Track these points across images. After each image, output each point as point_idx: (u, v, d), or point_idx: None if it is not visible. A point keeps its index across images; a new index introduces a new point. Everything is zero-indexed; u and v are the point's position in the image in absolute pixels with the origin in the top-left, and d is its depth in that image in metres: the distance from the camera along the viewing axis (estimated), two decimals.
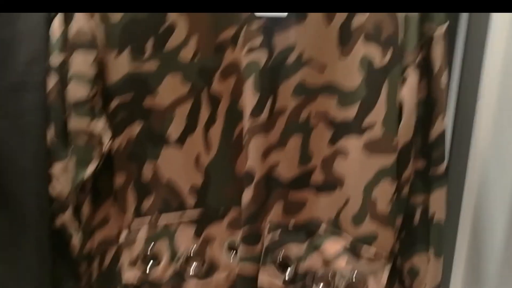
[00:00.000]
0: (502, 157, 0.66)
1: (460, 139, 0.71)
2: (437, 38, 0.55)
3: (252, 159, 0.59)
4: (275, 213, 0.62)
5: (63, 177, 0.61)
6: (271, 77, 0.58)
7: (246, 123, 0.58)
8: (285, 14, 0.55)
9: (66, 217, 0.61)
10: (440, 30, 0.55)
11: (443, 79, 0.56)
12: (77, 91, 0.59)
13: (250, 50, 0.56)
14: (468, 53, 0.69)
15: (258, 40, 0.56)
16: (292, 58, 0.58)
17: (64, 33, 0.59)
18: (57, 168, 0.61)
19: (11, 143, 0.60)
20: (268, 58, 0.57)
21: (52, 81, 0.60)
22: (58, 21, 0.60)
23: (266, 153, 0.60)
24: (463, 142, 0.70)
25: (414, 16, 0.55)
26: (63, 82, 0.60)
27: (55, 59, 0.60)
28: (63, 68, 0.60)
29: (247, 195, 0.60)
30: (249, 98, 0.57)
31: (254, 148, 0.59)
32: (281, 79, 0.58)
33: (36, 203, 0.61)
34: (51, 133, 0.60)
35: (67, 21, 0.59)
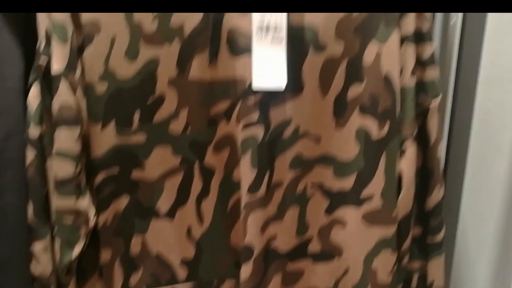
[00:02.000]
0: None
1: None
2: (433, 110, 0.56)
3: (251, 234, 0.57)
4: (274, 285, 0.61)
5: (44, 257, 0.58)
6: (268, 152, 0.56)
7: (244, 198, 0.57)
8: (283, 87, 0.54)
9: None
10: (435, 103, 0.56)
11: (439, 149, 0.57)
12: (62, 169, 0.55)
13: (247, 125, 0.55)
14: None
15: (255, 116, 0.55)
16: (288, 131, 0.57)
17: (41, 105, 0.56)
18: (37, 247, 0.58)
19: None
20: (265, 133, 0.55)
21: (29, 156, 0.57)
22: (34, 92, 0.56)
23: (264, 227, 0.58)
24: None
25: (411, 88, 0.55)
26: (41, 157, 0.57)
27: (33, 132, 0.56)
28: (41, 142, 0.57)
29: (247, 270, 0.58)
30: (246, 174, 0.56)
31: (252, 223, 0.57)
32: (278, 152, 0.57)
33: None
34: (30, 212, 0.57)
35: (43, 93, 0.56)
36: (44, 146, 0.57)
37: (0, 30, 0.56)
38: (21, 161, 0.57)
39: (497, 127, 0.69)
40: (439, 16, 0.69)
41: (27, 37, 0.59)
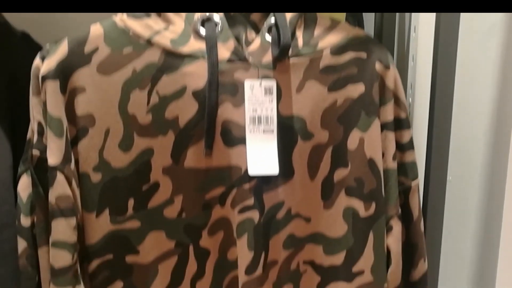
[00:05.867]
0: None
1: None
2: (414, 190, 0.60)
3: None
4: None
5: None
6: (263, 233, 0.59)
7: (241, 278, 0.58)
8: (277, 173, 0.57)
9: None
10: (415, 183, 0.61)
11: (422, 225, 0.61)
12: (59, 259, 0.56)
13: (243, 209, 0.57)
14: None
15: (250, 200, 0.57)
16: (281, 213, 0.59)
17: (32, 196, 0.57)
18: None
19: None
20: (260, 216, 0.58)
21: (21, 246, 0.56)
22: (24, 183, 0.57)
23: None
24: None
25: (393, 170, 0.59)
26: (33, 247, 0.57)
27: (23, 223, 0.56)
28: (32, 232, 0.57)
29: None
30: (243, 256, 0.58)
31: None
32: (272, 233, 0.59)
33: None
34: None
35: (34, 184, 0.56)
36: (35, 236, 0.57)
37: None
38: (14, 253, 0.57)
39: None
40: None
41: (15, 130, 0.60)
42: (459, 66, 0.68)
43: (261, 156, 0.56)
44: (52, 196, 0.55)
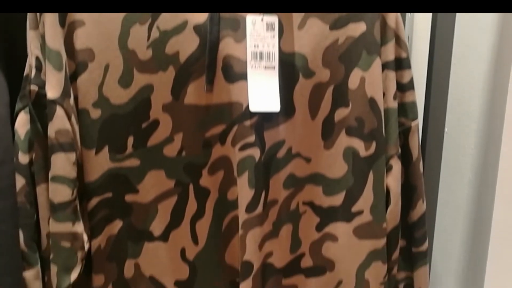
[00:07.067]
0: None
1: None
2: (413, 130, 0.61)
3: (250, 251, 0.59)
4: None
5: (35, 285, 0.57)
6: (264, 172, 0.59)
7: (242, 216, 0.58)
8: (278, 109, 0.56)
9: None
10: (415, 123, 0.61)
11: (421, 166, 0.61)
12: (59, 193, 0.55)
13: (244, 147, 0.57)
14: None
15: (251, 137, 0.57)
16: (282, 152, 0.59)
17: (29, 133, 0.56)
18: (28, 276, 0.57)
19: None
20: (261, 154, 0.58)
21: (19, 184, 0.56)
22: (22, 119, 0.56)
23: (261, 244, 0.60)
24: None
25: (394, 109, 0.59)
26: (31, 184, 0.56)
27: (21, 160, 0.56)
28: (30, 169, 0.56)
29: (246, 287, 0.59)
30: (244, 194, 0.58)
31: (251, 241, 0.59)
32: (273, 172, 0.59)
33: None
34: (21, 240, 0.56)
35: (32, 120, 0.56)
36: (33, 173, 0.57)
37: None
38: (13, 189, 0.56)
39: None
40: None
41: (10, 66, 0.59)
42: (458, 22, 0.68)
43: (262, 92, 0.56)
44: (52, 130, 0.55)
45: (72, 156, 0.55)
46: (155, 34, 0.55)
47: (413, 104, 0.61)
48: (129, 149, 0.58)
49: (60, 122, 0.55)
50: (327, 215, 0.61)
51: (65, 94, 0.55)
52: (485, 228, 0.68)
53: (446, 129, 0.71)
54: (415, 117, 0.61)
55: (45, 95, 0.55)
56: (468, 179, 0.73)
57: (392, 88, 0.59)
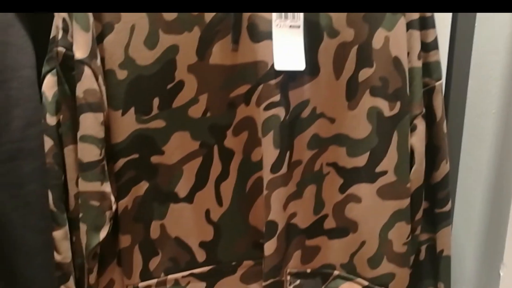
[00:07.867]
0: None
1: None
2: (438, 90, 0.61)
3: (274, 211, 0.59)
4: (294, 262, 0.63)
5: (64, 245, 0.59)
6: (288, 132, 0.59)
7: (266, 177, 0.59)
8: (303, 68, 0.57)
9: (69, 286, 0.58)
10: (439, 83, 0.61)
11: (444, 126, 0.61)
12: (88, 153, 0.56)
13: (269, 106, 0.57)
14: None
15: (276, 97, 0.57)
16: (306, 112, 0.60)
17: (57, 95, 0.57)
18: (57, 235, 0.58)
19: (13, 216, 0.55)
20: (285, 114, 0.58)
21: (47, 145, 0.57)
22: (49, 81, 0.57)
23: (285, 204, 0.61)
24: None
25: (419, 68, 0.59)
26: (59, 145, 0.57)
27: (49, 121, 0.57)
28: (57, 131, 0.57)
29: (271, 246, 0.60)
30: (268, 154, 0.58)
31: (276, 201, 0.59)
32: (297, 133, 0.60)
33: (43, 278, 0.56)
34: (50, 200, 0.57)
35: (60, 82, 0.56)
36: (61, 135, 0.58)
37: (12, 20, 0.56)
38: (41, 150, 0.57)
39: None
40: None
41: (37, 28, 0.60)
42: None
43: (287, 51, 0.56)
44: (80, 90, 0.55)
45: (100, 116, 0.56)
46: None
47: (438, 64, 0.61)
48: (155, 110, 0.58)
49: (88, 82, 0.55)
50: (350, 177, 0.62)
51: (92, 54, 0.55)
52: (506, 191, 0.68)
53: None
54: (439, 77, 0.61)
55: (72, 57, 0.55)
56: (490, 143, 0.73)
57: (417, 47, 0.59)
